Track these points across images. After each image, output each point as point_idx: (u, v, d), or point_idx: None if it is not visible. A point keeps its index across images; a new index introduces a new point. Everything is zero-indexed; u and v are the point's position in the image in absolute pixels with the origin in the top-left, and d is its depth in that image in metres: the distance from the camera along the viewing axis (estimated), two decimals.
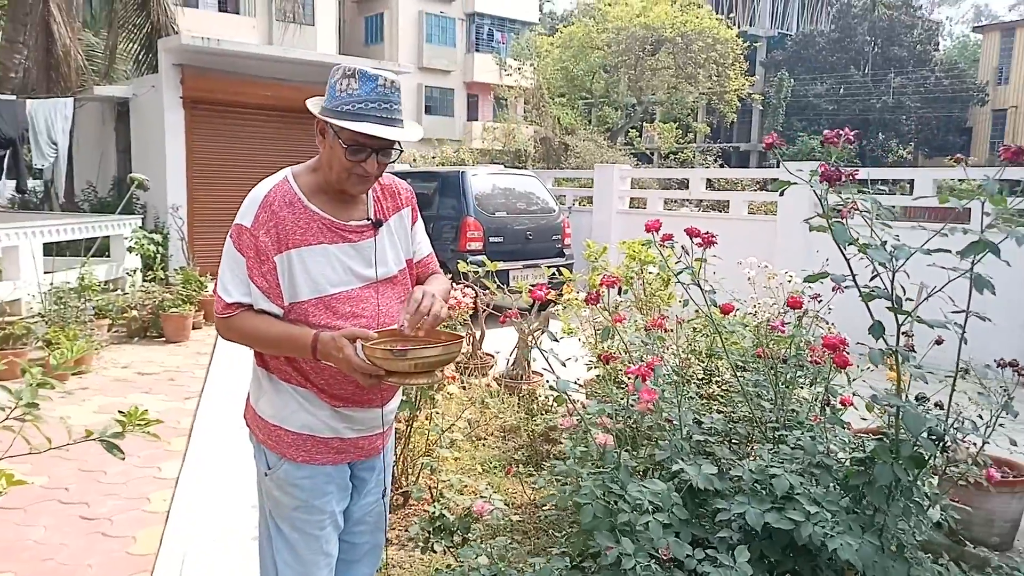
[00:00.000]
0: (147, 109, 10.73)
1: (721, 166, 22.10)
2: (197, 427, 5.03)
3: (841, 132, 1.65)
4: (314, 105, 1.86)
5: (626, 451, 2.30)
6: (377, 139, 1.78)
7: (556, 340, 3.25)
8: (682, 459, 2.23)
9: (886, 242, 1.84)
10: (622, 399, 2.52)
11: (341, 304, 1.86)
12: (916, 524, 2.14)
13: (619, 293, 5.93)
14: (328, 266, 1.85)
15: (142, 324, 7.53)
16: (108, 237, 8.79)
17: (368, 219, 1.94)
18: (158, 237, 9.25)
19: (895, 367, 2.07)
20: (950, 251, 1.84)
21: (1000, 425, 2.38)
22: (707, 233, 2.57)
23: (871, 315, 1.80)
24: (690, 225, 2.65)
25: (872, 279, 1.76)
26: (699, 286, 2.57)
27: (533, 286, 5.58)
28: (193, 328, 7.71)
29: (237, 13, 26.85)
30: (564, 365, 3.44)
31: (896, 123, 33.34)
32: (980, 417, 2.40)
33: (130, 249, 8.77)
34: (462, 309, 4.21)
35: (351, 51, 29.34)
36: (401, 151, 1.92)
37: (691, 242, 2.61)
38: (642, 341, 2.63)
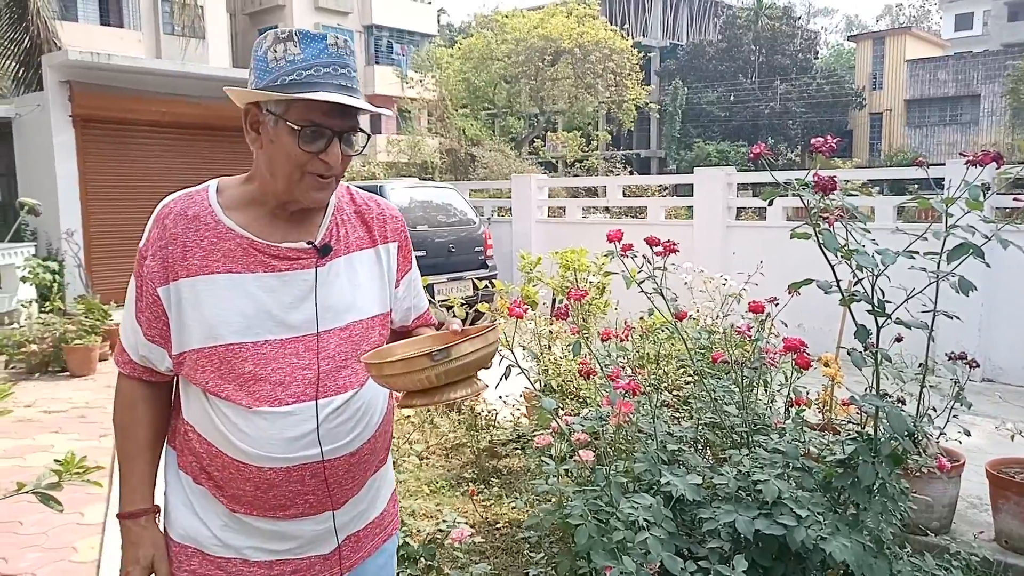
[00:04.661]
0: (33, 129, 10.06)
1: (631, 173, 22.62)
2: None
3: (826, 139, 1.68)
4: (238, 94, 1.36)
5: (603, 466, 2.27)
6: (338, 117, 1.31)
7: (511, 350, 3.18)
8: (661, 470, 2.22)
9: (856, 249, 1.88)
10: (593, 412, 2.50)
11: (242, 361, 1.32)
12: (889, 520, 2.20)
13: (553, 303, 5.94)
14: (231, 302, 1.33)
15: (43, 359, 7.01)
16: None
17: (309, 243, 1.40)
18: (54, 265, 8.65)
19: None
20: (917, 253, 1.91)
21: (954, 416, 2.49)
22: (668, 241, 2.59)
23: (853, 319, 1.83)
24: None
25: (856, 283, 1.79)
26: (662, 295, 2.58)
27: (461, 301, 5.48)
28: (100, 360, 7.23)
29: (121, 27, 25.63)
30: (506, 377, 3.41)
31: (784, 128, 35.01)
32: (934, 409, 2.49)
33: (24, 279, 8.16)
34: None
35: (246, 65, 28.42)
36: (369, 137, 1.44)
37: (651, 251, 2.62)
38: (608, 352, 2.61)
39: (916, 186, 10.73)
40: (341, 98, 1.28)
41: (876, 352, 1.90)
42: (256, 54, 1.33)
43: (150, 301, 1.36)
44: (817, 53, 42.29)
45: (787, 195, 1.93)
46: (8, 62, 12.36)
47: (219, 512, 1.39)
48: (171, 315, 1.35)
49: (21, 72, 12.17)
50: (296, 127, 1.29)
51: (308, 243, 1.40)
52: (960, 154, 1.86)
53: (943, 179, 6.58)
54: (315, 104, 1.28)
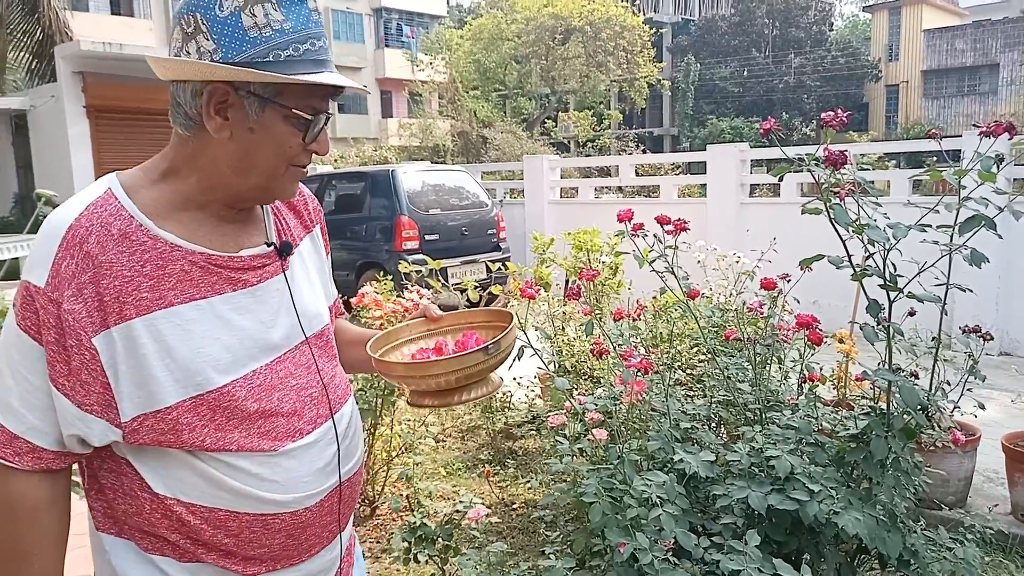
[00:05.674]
0: (48, 121, 10.16)
1: (643, 152, 22.52)
2: None
3: (837, 113, 1.68)
4: (196, 68, 1.05)
5: (617, 445, 2.29)
6: (329, 100, 1.14)
7: (524, 332, 3.20)
8: (675, 448, 2.23)
9: (867, 223, 1.88)
10: (606, 391, 2.51)
11: (240, 402, 1.10)
12: (902, 494, 2.20)
13: (566, 284, 5.94)
14: (208, 336, 1.08)
15: None
16: (17, 259, 8.26)
17: (269, 244, 1.19)
18: None
19: (881, 342, 2.11)
20: (930, 226, 1.90)
21: (968, 390, 2.48)
22: (679, 220, 2.58)
23: (865, 294, 1.83)
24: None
25: (868, 258, 1.79)
26: (674, 273, 2.57)
27: (475, 284, 5.52)
28: None
29: (132, 15, 25.69)
30: (519, 359, 3.43)
31: (798, 102, 34.61)
32: (948, 383, 2.49)
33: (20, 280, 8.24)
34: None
35: None
36: (329, 118, 1.17)
37: (663, 230, 2.62)
38: (620, 332, 2.62)
39: (935, 159, 10.60)
40: (351, 83, 1.12)
41: (888, 326, 1.90)
42: (215, 14, 1.04)
43: (85, 359, 1.02)
44: (832, 25, 41.64)
45: (800, 171, 1.92)
46: (21, 54, 12.46)
47: None
48: (115, 370, 1.03)
49: (35, 64, 12.26)
50: (307, 116, 1.08)
51: (268, 244, 1.19)
52: (973, 125, 1.85)
53: (960, 151, 6.51)
54: (316, 88, 1.09)
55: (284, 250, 1.20)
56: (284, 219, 1.27)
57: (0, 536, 1.08)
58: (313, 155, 1.15)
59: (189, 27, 1.05)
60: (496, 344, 1.19)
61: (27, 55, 12.32)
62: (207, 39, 1.04)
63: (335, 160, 15.98)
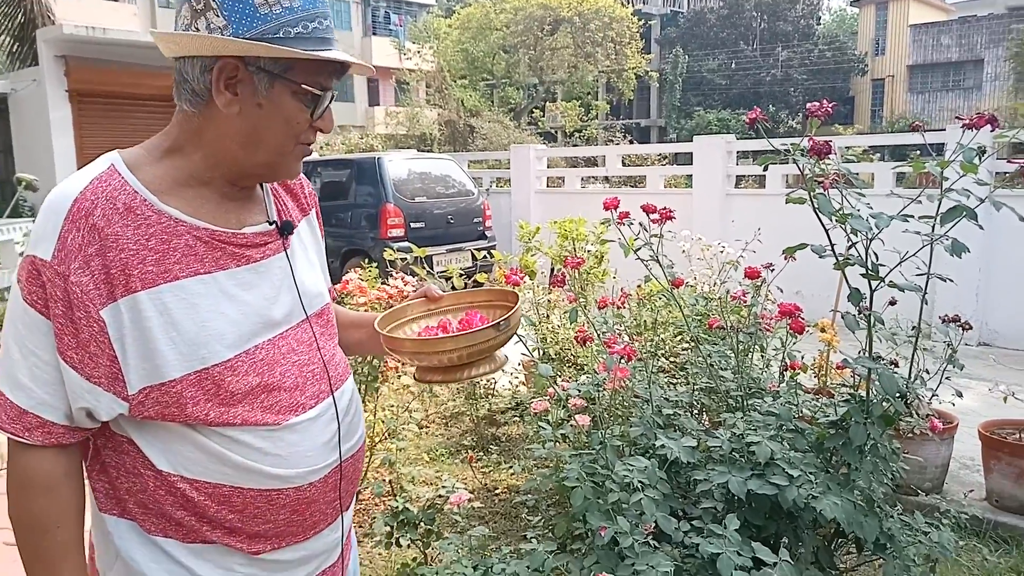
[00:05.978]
0: (29, 105, 10.03)
1: (631, 142, 22.53)
2: None
3: (821, 104, 1.69)
4: (208, 43, 1.06)
5: (599, 430, 2.31)
6: (335, 78, 1.15)
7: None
8: (657, 434, 2.25)
9: (850, 213, 1.89)
10: (589, 378, 2.52)
11: (242, 376, 1.10)
12: (880, 479, 2.23)
13: (551, 272, 5.95)
14: (213, 310, 1.09)
15: None
16: None
17: (271, 222, 1.21)
18: None
19: (862, 330, 2.14)
20: (912, 216, 1.92)
21: (947, 379, 2.51)
22: (664, 208, 2.59)
23: (847, 283, 1.84)
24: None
25: (850, 247, 1.81)
26: (658, 261, 2.59)
27: (460, 272, 5.53)
28: None
29: (115, 0, 25.38)
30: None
31: (785, 95, 34.73)
32: (927, 372, 2.52)
33: (22, 255, 8.16)
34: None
35: None
36: (333, 98, 1.18)
37: (648, 218, 2.63)
38: (604, 320, 2.64)
39: (918, 152, 10.70)
40: (360, 61, 1.15)
41: (869, 315, 1.92)
42: None
43: (94, 331, 1.03)
44: (819, 19, 41.77)
45: (786, 162, 1.94)
46: (3, 37, 12.28)
47: (232, 563, 1.15)
48: (122, 343, 1.04)
49: (16, 47, 12.09)
50: (316, 91, 1.10)
51: (270, 223, 1.20)
52: (956, 118, 1.87)
53: (943, 144, 6.57)
54: (324, 65, 1.11)
55: (285, 229, 1.22)
56: (283, 201, 1.28)
57: (18, 511, 1.10)
58: (317, 133, 1.17)
59: (199, 4, 1.06)
60: (506, 321, 1.23)
61: (8, 38, 12.15)
62: (217, 16, 1.05)
63: (321, 148, 15.89)
